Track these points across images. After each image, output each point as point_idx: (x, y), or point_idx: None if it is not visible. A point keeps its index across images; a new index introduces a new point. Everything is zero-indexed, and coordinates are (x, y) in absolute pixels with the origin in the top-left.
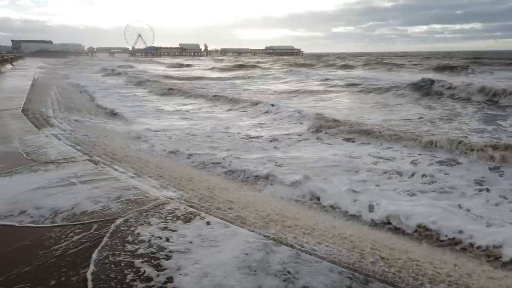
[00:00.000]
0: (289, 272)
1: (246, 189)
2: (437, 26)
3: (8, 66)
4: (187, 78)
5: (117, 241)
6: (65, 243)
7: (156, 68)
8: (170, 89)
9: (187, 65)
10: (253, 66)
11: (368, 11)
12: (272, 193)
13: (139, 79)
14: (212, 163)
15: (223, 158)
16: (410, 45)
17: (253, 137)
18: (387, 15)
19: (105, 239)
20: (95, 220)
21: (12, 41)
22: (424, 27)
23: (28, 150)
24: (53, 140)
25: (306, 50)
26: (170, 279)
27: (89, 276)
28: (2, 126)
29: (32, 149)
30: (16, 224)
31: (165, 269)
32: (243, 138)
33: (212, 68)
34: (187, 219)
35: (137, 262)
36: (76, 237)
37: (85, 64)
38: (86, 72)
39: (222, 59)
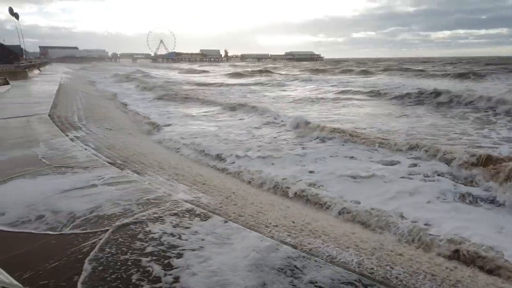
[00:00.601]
0: None
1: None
2: (461, 32)
3: (36, 71)
4: (206, 84)
5: None
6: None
7: (175, 74)
8: (186, 97)
9: (203, 71)
10: (270, 72)
11: (389, 16)
12: None
13: (151, 85)
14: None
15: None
16: (433, 50)
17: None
18: (409, 20)
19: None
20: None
21: (39, 47)
22: (447, 32)
23: (53, 154)
24: (78, 144)
25: (326, 55)
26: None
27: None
28: (30, 130)
29: (56, 153)
30: (51, 232)
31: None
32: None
33: (231, 74)
34: None
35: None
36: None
37: (105, 69)
38: (108, 76)
39: (238, 65)
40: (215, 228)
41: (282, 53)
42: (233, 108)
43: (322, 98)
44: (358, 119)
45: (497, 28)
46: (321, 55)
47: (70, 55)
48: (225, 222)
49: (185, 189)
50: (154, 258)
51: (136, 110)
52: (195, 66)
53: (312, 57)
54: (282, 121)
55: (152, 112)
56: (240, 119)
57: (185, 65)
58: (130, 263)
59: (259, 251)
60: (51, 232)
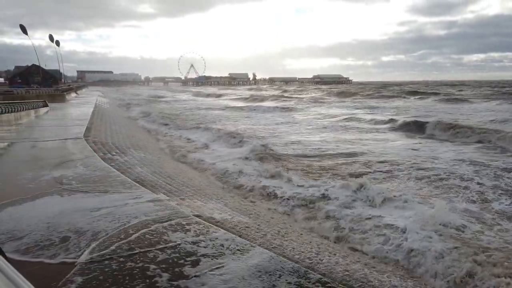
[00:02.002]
0: None
1: None
2: (495, 55)
3: (73, 94)
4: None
5: None
6: None
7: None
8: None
9: (220, 95)
10: (288, 97)
11: (419, 39)
12: None
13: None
14: None
15: None
16: (466, 73)
17: None
18: (440, 43)
19: None
20: None
21: (77, 71)
22: (481, 56)
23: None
24: (113, 168)
25: (355, 78)
26: None
27: None
28: (66, 150)
29: (92, 174)
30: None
31: None
32: None
33: (243, 98)
34: None
35: None
36: None
37: (135, 93)
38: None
39: (263, 88)
40: None
41: (310, 76)
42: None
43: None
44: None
45: None
46: (350, 78)
47: (106, 79)
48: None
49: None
50: None
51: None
52: (216, 89)
53: (340, 80)
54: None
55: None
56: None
57: (211, 88)
58: None
59: None
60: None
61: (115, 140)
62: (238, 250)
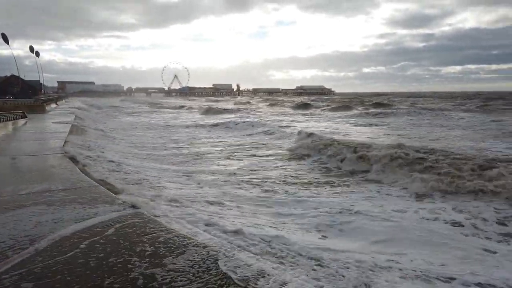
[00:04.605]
0: None
1: None
2: (472, 67)
3: (53, 105)
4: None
5: None
6: None
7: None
8: None
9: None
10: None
11: (399, 51)
12: None
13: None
14: None
15: None
16: (444, 85)
17: None
18: (419, 55)
19: None
20: None
21: (58, 82)
22: (458, 68)
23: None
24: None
25: (337, 89)
26: None
27: None
28: (43, 163)
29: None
30: None
31: None
32: None
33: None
34: None
35: None
36: None
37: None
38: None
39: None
40: None
41: (293, 87)
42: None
43: None
44: None
45: (508, 63)
46: (332, 89)
47: (87, 90)
48: None
49: None
50: None
51: None
52: (185, 101)
53: (323, 91)
54: None
55: None
56: None
57: (189, 102)
58: None
59: None
60: None
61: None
62: None
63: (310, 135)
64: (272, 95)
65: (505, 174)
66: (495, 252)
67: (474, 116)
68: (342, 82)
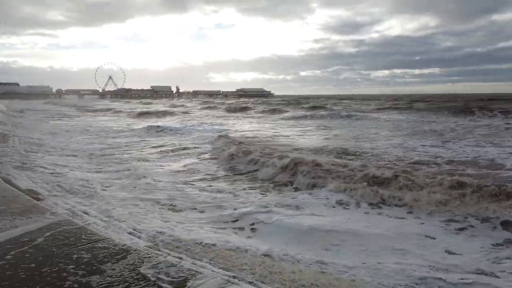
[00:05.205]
0: None
1: None
2: (398, 71)
3: None
4: None
5: None
6: None
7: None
8: None
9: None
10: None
11: (333, 56)
12: None
13: None
14: None
15: None
16: (374, 88)
17: None
18: (351, 60)
19: None
20: None
21: None
22: (386, 72)
23: None
24: None
25: (277, 92)
26: None
27: None
28: None
29: None
30: None
31: None
32: None
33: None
34: None
35: None
36: None
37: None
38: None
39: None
40: None
41: (234, 89)
42: None
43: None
44: None
45: (430, 68)
46: (272, 92)
47: (11, 91)
48: None
49: None
50: None
51: None
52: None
53: (263, 94)
54: None
55: None
56: None
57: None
58: None
59: None
60: None
61: None
62: None
63: (222, 137)
64: (212, 97)
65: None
66: None
67: (404, 115)
68: (281, 84)
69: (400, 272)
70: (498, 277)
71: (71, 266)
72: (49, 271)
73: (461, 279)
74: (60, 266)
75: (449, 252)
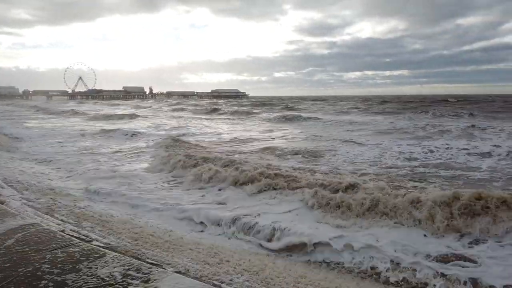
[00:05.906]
0: None
1: None
2: (369, 73)
3: None
4: None
5: None
6: None
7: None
8: None
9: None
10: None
11: (306, 57)
12: None
13: None
14: None
15: None
16: (346, 89)
17: None
18: (324, 61)
19: None
20: None
21: None
22: (358, 73)
23: None
24: None
25: (252, 93)
26: None
27: None
28: None
29: None
30: None
31: None
32: None
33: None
34: None
35: None
36: None
37: None
38: None
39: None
40: None
41: (209, 90)
42: None
43: None
44: None
45: (399, 70)
46: (246, 93)
47: None
48: None
49: None
50: None
51: None
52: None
53: (237, 95)
54: None
55: None
56: None
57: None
58: None
59: None
60: None
61: None
62: None
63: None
64: (187, 98)
65: None
66: None
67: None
68: (256, 85)
69: None
70: None
71: (45, 266)
72: (24, 271)
73: None
74: (35, 266)
75: None
